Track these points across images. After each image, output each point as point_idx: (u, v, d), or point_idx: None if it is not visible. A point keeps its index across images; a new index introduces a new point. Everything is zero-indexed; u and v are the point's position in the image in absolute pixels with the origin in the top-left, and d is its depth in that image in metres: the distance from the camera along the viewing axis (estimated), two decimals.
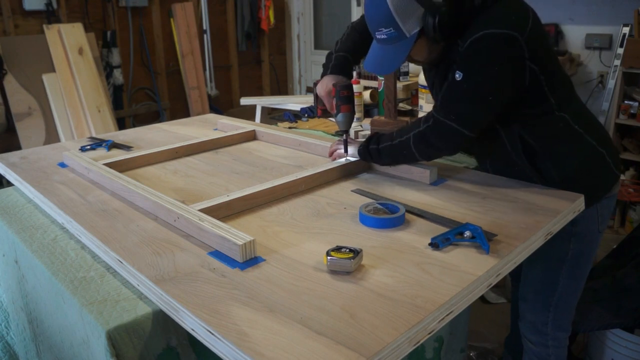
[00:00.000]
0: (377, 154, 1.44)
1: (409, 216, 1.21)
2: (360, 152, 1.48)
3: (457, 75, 1.27)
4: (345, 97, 1.49)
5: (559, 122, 1.35)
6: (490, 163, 1.52)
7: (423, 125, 1.34)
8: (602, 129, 1.48)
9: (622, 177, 3.41)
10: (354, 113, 1.53)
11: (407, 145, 1.37)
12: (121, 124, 4.96)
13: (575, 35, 3.93)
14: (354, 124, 2.32)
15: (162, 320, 0.95)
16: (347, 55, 1.56)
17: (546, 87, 1.30)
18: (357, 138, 2.10)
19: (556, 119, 1.34)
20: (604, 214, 1.45)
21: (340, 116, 1.50)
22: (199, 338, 0.85)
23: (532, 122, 1.35)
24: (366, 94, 2.53)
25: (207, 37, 5.59)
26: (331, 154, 1.58)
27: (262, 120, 3.27)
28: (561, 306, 1.52)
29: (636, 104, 3.43)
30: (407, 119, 2.09)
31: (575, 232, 1.42)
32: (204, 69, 5.55)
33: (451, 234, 1.08)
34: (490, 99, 1.27)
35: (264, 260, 1.03)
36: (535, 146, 1.36)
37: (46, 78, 4.24)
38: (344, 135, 1.53)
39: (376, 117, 2.21)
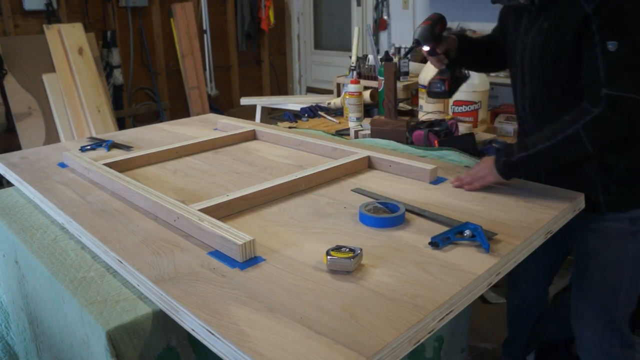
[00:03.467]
0: (527, 162, 1.28)
1: (408, 215, 1.21)
2: (503, 171, 1.31)
3: (609, 46, 1.17)
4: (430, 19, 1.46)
5: None
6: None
7: (595, 111, 1.20)
8: None
9: None
10: (431, 29, 1.45)
11: (576, 139, 1.22)
12: (121, 124, 4.96)
13: None
14: (353, 124, 2.33)
15: (162, 320, 0.95)
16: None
17: None
18: (357, 138, 2.10)
19: None
20: None
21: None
22: (199, 338, 0.85)
23: None
24: (366, 94, 2.53)
25: (207, 37, 5.60)
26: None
27: (262, 120, 3.27)
28: (625, 318, 1.39)
29: None
30: (407, 118, 2.09)
31: (634, 231, 1.34)
32: (204, 69, 5.55)
33: (451, 233, 1.08)
34: None
35: (264, 260, 1.03)
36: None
37: (46, 78, 4.25)
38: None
39: (376, 117, 2.21)
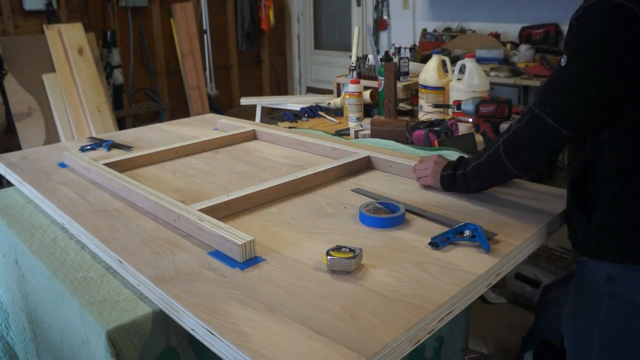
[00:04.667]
0: (463, 179, 1.25)
1: (408, 215, 1.21)
2: (443, 182, 1.29)
3: (562, 60, 1.04)
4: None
5: None
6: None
7: (515, 126, 1.11)
8: None
9: None
10: (475, 103, 1.57)
11: (496, 156, 1.14)
12: (121, 124, 4.96)
13: None
14: (353, 124, 2.32)
15: (162, 320, 0.95)
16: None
17: None
18: (357, 138, 2.10)
19: None
20: None
21: None
22: (199, 338, 0.85)
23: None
24: (366, 94, 2.52)
25: (207, 37, 5.60)
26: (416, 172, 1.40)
27: (262, 120, 3.27)
28: None
29: None
30: (407, 118, 2.09)
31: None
32: (204, 69, 5.55)
33: (451, 233, 1.08)
34: (595, 92, 1.00)
35: (264, 260, 1.03)
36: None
37: (46, 78, 4.25)
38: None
39: (376, 117, 2.21)
